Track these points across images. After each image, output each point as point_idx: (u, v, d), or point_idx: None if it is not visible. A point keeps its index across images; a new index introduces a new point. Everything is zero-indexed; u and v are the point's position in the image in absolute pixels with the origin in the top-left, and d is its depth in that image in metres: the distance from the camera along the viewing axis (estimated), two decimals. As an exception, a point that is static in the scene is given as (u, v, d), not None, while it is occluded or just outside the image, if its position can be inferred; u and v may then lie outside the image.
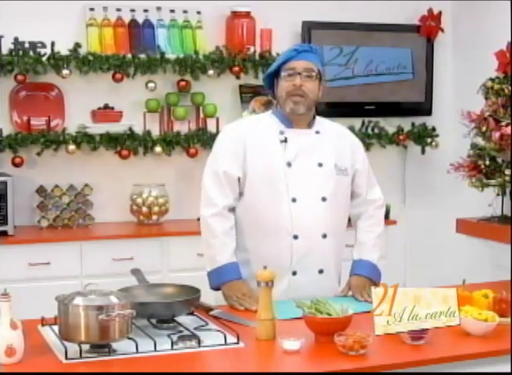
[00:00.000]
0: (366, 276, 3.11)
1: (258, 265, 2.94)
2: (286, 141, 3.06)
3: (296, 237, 3.02)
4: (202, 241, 3.10)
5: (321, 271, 3.08)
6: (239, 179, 3.06)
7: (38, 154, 4.70)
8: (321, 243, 3.05)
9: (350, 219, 3.25)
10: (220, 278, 3.02)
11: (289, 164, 3.04)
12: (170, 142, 4.90)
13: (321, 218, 3.05)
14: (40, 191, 4.78)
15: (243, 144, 3.06)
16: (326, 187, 3.06)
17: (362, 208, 3.21)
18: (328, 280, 3.11)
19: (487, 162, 4.62)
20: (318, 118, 3.17)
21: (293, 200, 3.02)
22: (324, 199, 3.05)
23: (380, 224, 3.23)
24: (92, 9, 4.81)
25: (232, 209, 3.08)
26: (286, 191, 3.02)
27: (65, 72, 4.66)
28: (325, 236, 3.06)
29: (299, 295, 2.85)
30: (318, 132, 3.12)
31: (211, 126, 5.02)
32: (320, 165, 3.07)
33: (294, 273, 3.04)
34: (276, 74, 3.10)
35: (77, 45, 4.71)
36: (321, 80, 3.09)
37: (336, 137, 3.17)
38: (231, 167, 3.05)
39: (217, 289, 3.05)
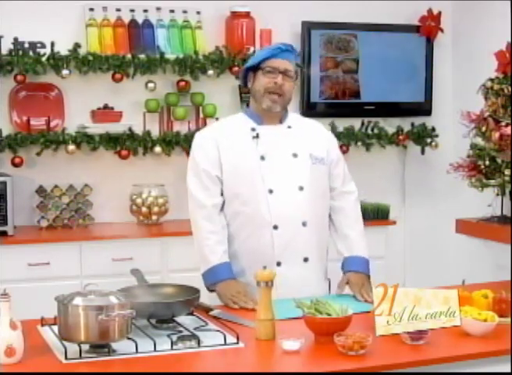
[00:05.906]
0: (363, 272, 3.13)
1: (244, 257, 3.07)
2: (257, 136, 3.10)
3: (276, 227, 3.05)
4: (194, 242, 3.12)
5: (306, 259, 3.10)
6: (217, 177, 3.09)
7: (38, 154, 4.70)
8: (301, 231, 3.08)
9: None
10: (213, 277, 3.04)
11: (262, 158, 3.07)
12: (170, 142, 4.90)
13: (299, 207, 3.07)
14: (40, 191, 4.77)
15: (216, 147, 3.09)
16: (302, 176, 3.10)
17: (338, 202, 3.21)
18: (314, 269, 3.12)
19: (487, 163, 4.62)
20: (290, 114, 3.21)
21: (270, 191, 3.05)
22: (301, 188, 3.08)
23: (360, 220, 3.25)
24: (92, 9, 4.81)
25: (222, 208, 3.10)
26: (262, 183, 3.05)
27: (64, 72, 4.66)
28: (304, 224, 3.08)
29: (286, 287, 2.89)
30: (289, 127, 3.16)
31: (210, 126, 5.02)
32: (294, 155, 3.11)
33: (279, 264, 3.04)
34: (252, 68, 3.11)
35: (77, 45, 4.71)
36: (296, 80, 3.14)
37: (308, 130, 3.21)
38: (209, 167, 3.08)
39: (212, 290, 3.05)
